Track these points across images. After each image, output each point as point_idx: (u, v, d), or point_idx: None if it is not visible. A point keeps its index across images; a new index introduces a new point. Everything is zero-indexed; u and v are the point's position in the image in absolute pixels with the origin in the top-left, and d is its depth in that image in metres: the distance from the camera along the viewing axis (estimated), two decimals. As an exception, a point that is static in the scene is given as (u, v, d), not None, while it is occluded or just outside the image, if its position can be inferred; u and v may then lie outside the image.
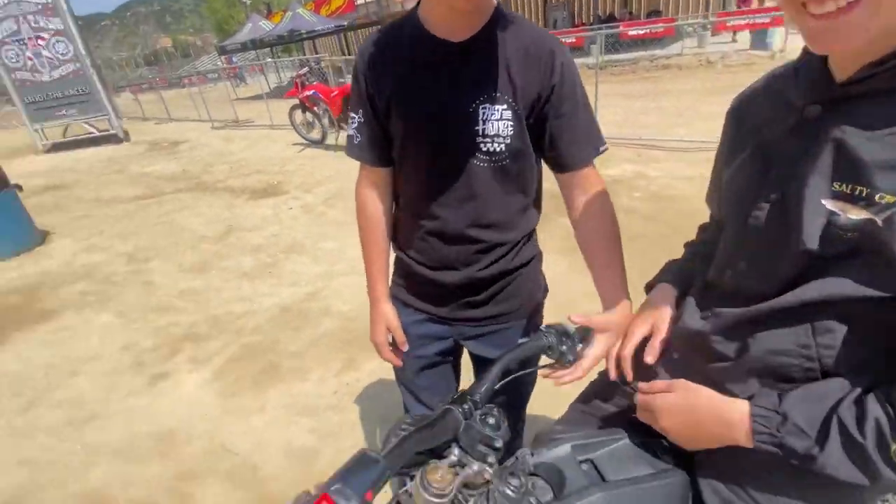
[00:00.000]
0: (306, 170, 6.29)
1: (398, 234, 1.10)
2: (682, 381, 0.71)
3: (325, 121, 7.04)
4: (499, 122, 0.88)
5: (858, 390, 0.57)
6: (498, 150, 0.90)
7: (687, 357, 0.76)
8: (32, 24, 9.29)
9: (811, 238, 0.58)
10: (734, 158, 0.73)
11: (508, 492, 0.63)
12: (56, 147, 10.10)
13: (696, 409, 0.68)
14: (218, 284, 3.43)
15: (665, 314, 0.82)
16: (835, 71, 0.59)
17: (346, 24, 19.66)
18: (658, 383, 0.74)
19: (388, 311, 1.10)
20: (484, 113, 0.87)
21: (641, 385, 0.77)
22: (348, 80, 10.84)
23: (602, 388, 0.95)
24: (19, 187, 4.37)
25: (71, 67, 9.60)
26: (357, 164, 1.05)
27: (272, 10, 24.68)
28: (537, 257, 1.10)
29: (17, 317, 3.30)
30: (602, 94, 5.62)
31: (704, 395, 0.68)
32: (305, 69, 7.49)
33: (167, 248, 4.19)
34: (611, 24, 11.80)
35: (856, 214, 0.56)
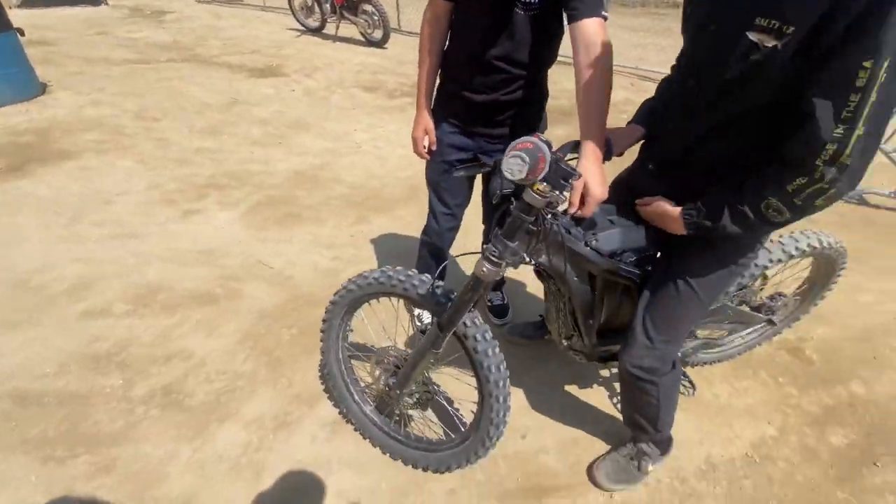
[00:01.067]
0: (304, 56, 6.21)
1: (446, 62, 1.45)
2: (658, 198, 1.10)
3: (327, 6, 6.80)
4: None
5: (745, 180, 0.91)
6: (533, 1, 1.22)
7: (662, 169, 1.16)
8: None
9: (736, 62, 0.85)
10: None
11: (564, 222, 1.05)
12: (29, 2, 9.25)
13: (662, 213, 1.09)
14: (231, 147, 3.67)
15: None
16: None
17: None
18: (645, 200, 1.14)
19: (427, 117, 1.50)
20: None
21: (638, 201, 1.17)
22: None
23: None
24: (21, 31, 4.26)
25: None
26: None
27: None
28: (545, 97, 1.48)
29: (36, 154, 3.45)
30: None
31: (663, 205, 1.08)
32: (309, -54, 7.04)
33: (173, 111, 4.29)
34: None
35: (769, 42, 0.78)
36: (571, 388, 1.82)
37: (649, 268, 1.21)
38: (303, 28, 7.39)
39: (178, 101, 4.52)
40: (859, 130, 0.74)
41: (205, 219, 2.77)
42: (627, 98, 4.87)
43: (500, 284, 2.11)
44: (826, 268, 1.68)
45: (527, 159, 0.85)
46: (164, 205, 2.89)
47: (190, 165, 3.38)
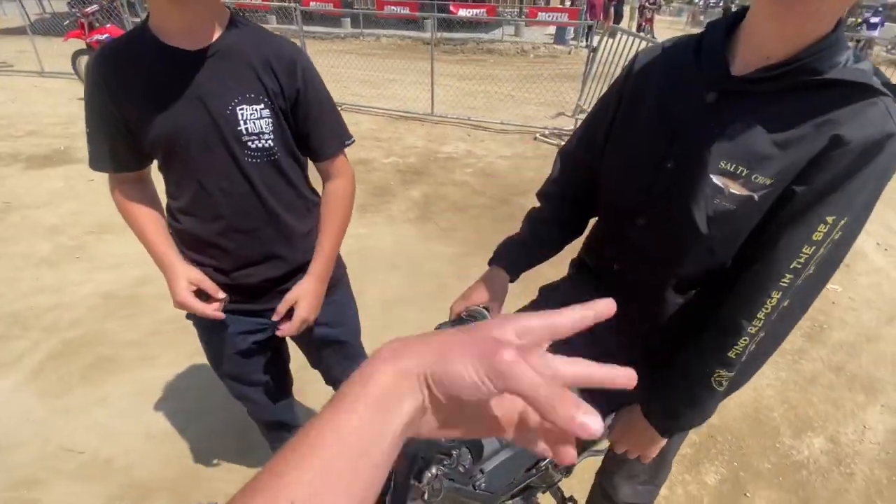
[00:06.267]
0: (107, 133, 5.28)
1: (183, 246, 1.09)
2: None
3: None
4: (259, 121, 0.96)
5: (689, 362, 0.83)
6: (265, 145, 0.98)
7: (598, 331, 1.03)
8: None
9: (697, 206, 0.73)
10: (629, 123, 0.84)
11: (444, 468, 0.80)
12: None
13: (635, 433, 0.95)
14: (7, 274, 2.82)
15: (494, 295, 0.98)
16: (735, 63, 0.71)
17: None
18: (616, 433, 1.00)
19: (186, 266, 1.05)
20: (242, 114, 0.94)
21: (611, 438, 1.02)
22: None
23: None
24: None
25: None
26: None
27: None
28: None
29: None
30: (438, 73, 6.06)
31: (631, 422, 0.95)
32: (95, 6, 6.10)
33: None
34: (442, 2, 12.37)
35: (737, 189, 0.70)
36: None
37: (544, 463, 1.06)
38: (99, 98, 6.32)
39: (-87, 218, 3.38)
40: (799, 283, 0.70)
41: (-32, 396, 2.02)
42: (468, 150, 5.16)
43: None
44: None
45: None
46: None
47: (-62, 314, 2.49)
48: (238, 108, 0.94)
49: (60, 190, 3.94)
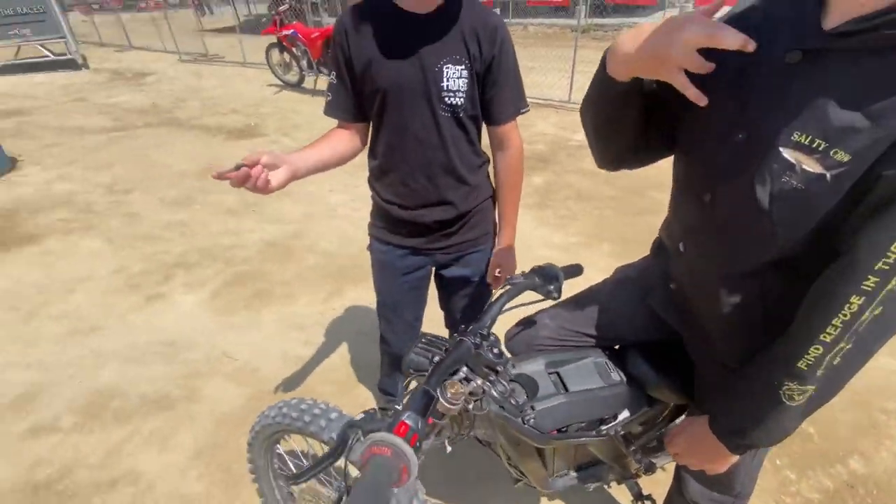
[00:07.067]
0: (283, 113, 6.25)
1: (376, 183, 1.29)
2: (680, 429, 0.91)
3: (304, 62, 6.91)
4: (458, 80, 1.11)
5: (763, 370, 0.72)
6: (457, 103, 1.13)
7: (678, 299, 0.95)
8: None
9: (763, 182, 0.64)
10: (706, 84, 0.66)
11: (495, 394, 0.84)
12: (8, 69, 9.37)
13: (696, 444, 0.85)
14: (203, 219, 3.58)
15: None
16: (826, 20, 0.59)
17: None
18: (671, 438, 0.92)
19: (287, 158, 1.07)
20: (447, 72, 1.09)
21: (666, 441, 0.95)
22: (325, 20, 10.45)
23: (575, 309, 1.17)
24: (-14, 108, 4.22)
25: (21, -20, 8.79)
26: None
27: (242, -66, 22.60)
28: (492, 197, 1.37)
29: (-1, 239, 3.36)
30: (581, 60, 5.79)
31: (690, 431, 0.86)
32: (285, 5, 7.22)
33: (146, 182, 4.23)
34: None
35: (810, 166, 0.59)
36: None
37: (606, 428, 1.04)
38: (282, 83, 7.49)
39: (152, 171, 4.47)
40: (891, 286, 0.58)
41: (169, 305, 2.64)
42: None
43: None
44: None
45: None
46: (127, 291, 2.76)
47: (158, 242, 3.27)
48: (444, 67, 1.09)
49: (246, 157, 4.81)
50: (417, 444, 0.65)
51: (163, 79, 8.56)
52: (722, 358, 0.88)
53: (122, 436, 1.87)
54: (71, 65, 9.49)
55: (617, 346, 1.15)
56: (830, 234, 0.63)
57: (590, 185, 3.84)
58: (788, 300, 0.70)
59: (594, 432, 1.03)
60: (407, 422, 0.66)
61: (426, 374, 0.78)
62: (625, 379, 1.05)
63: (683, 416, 1.17)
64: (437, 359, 0.81)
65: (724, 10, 0.74)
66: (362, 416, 0.85)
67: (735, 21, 0.70)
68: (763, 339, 0.74)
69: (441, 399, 0.73)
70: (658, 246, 1.08)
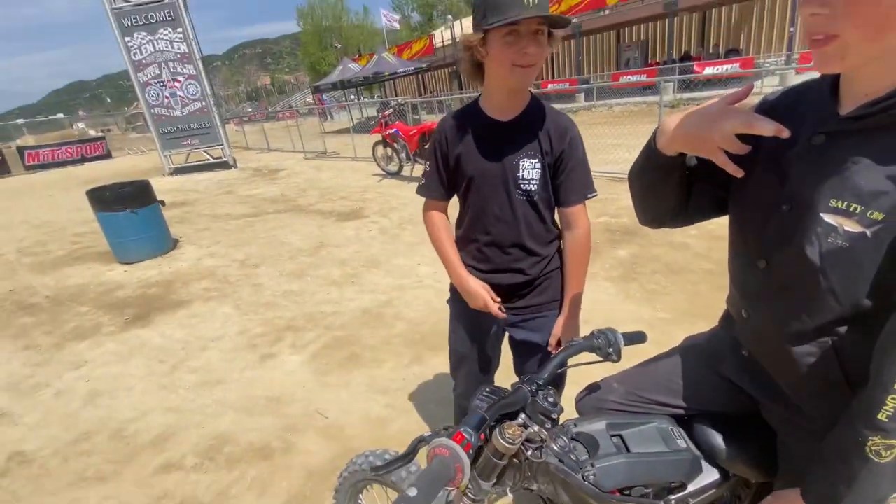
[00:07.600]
0: (384, 197, 7.04)
1: (460, 248, 1.51)
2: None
3: (403, 155, 7.83)
4: (532, 171, 1.33)
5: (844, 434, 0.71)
6: (531, 188, 1.35)
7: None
8: (171, 70, 11.26)
9: (811, 245, 0.71)
10: (748, 163, 0.81)
11: (555, 447, 0.89)
12: (178, 170, 11.92)
13: None
14: (312, 289, 4.09)
15: None
16: (842, 102, 0.72)
17: (424, 66, 21.25)
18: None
19: (476, 280, 1.45)
20: (523, 164, 1.33)
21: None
22: (423, 117, 11.83)
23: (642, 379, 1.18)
24: (163, 203, 5.43)
25: (198, 105, 11.45)
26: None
27: (361, 54, 27.18)
28: (559, 268, 1.50)
29: (158, 304, 4.15)
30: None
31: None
32: (390, 110, 8.41)
33: (271, 258, 4.98)
34: (683, 64, 11.81)
35: (850, 227, 0.68)
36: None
37: (674, 498, 1.00)
38: (384, 173, 8.49)
39: (276, 249, 5.26)
40: None
41: (278, 363, 3.01)
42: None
43: None
44: None
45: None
46: (247, 350, 3.21)
47: (275, 308, 3.79)
48: (520, 161, 1.33)
49: (351, 237, 5.45)
50: (470, 451, 0.77)
51: (291, 173, 10.20)
52: (808, 422, 0.86)
53: (230, 479, 2.13)
54: (225, 165, 11.77)
55: (686, 416, 1.13)
56: (887, 285, 0.68)
57: (680, 258, 3.70)
58: (866, 355, 0.71)
59: (662, 502, 1.01)
60: (463, 433, 0.78)
61: None
62: (693, 447, 1.03)
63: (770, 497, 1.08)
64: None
65: (752, 98, 0.87)
66: (430, 433, 0.97)
67: (768, 111, 0.83)
68: (850, 397, 0.74)
69: (499, 437, 0.82)
70: (725, 315, 1.10)
